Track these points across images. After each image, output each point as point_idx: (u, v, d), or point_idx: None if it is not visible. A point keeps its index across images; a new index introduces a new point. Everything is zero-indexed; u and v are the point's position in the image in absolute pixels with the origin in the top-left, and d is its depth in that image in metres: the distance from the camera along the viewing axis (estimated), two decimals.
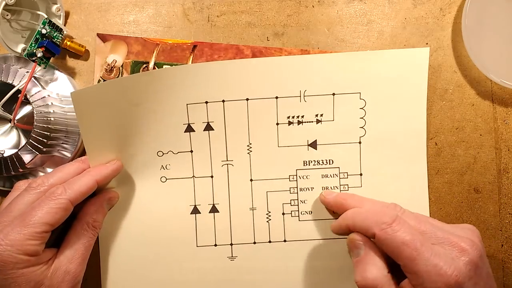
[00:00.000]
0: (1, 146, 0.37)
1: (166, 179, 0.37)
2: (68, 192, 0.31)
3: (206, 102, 0.36)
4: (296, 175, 0.36)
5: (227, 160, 0.36)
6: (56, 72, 0.38)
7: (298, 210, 0.36)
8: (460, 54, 0.37)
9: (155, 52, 0.38)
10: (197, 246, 0.37)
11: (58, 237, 0.33)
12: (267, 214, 0.37)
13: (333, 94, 0.36)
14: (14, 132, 0.38)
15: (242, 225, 0.37)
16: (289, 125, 0.36)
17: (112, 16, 0.39)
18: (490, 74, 0.36)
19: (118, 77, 0.38)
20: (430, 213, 0.36)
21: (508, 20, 0.36)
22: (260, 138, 0.36)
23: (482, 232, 0.37)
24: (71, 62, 0.39)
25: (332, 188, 0.36)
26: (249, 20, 0.38)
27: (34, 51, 0.35)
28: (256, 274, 0.37)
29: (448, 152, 0.38)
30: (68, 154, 0.38)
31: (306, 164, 0.36)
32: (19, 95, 0.35)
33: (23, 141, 0.38)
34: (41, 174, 0.38)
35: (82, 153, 0.38)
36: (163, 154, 0.36)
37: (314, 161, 0.36)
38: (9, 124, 0.38)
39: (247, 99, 0.36)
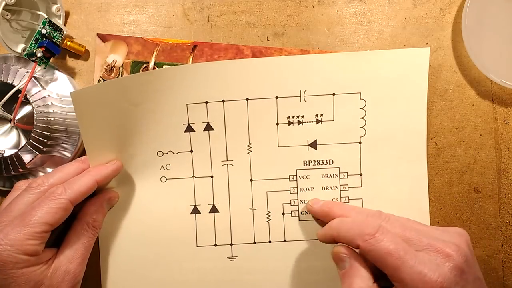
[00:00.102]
0: (1, 146, 0.37)
1: (166, 179, 0.37)
2: (68, 192, 0.31)
3: (206, 102, 0.36)
4: (296, 175, 0.36)
5: (227, 160, 0.36)
6: (56, 72, 0.38)
7: (298, 210, 0.36)
8: (460, 54, 0.37)
9: (155, 52, 0.38)
10: (197, 246, 0.37)
11: (58, 237, 0.33)
12: (267, 214, 0.37)
13: (333, 94, 0.36)
14: (14, 132, 0.38)
15: (242, 225, 0.37)
16: (289, 125, 0.36)
17: (112, 16, 0.39)
18: (490, 74, 0.36)
19: (118, 77, 0.38)
20: (430, 213, 0.36)
21: (508, 20, 0.36)
22: (260, 138, 0.36)
23: (482, 232, 0.38)
24: (71, 62, 0.39)
25: (332, 188, 0.36)
26: (249, 20, 0.38)
27: (34, 51, 0.35)
28: (256, 274, 0.37)
29: (448, 152, 0.38)
30: (68, 154, 0.38)
31: (306, 164, 0.36)
32: (19, 95, 0.35)
33: (23, 141, 0.38)
34: (41, 174, 0.38)
35: (82, 153, 0.38)
36: (163, 154, 0.36)
37: (314, 161, 0.36)
38: (9, 124, 0.38)
39: (247, 99, 0.36)
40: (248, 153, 0.36)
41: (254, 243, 0.37)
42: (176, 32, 0.39)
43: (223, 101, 0.36)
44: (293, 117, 0.36)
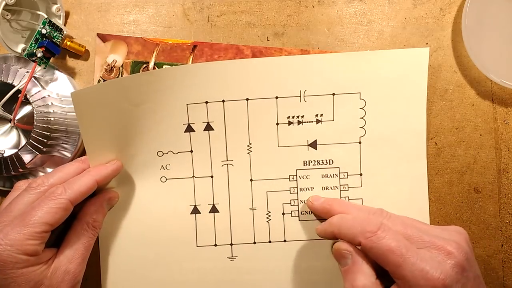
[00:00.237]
0: (1, 146, 0.37)
1: (166, 179, 0.37)
2: (68, 192, 0.31)
3: (206, 102, 0.36)
4: (296, 175, 0.36)
5: (227, 160, 0.36)
6: (56, 72, 0.38)
7: (298, 210, 0.36)
8: (460, 54, 0.37)
9: (155, 52, 0.38)
10: (197, 246, 0.37)
11: (58, 237, 0.33)
12: (267, 214, 0.37)
13: (333, 94, 0.36)
14: (14, 132, 0.38)
15: (242, 225, 0.37)
16: (289, 125, 0.36)
17: (112, 16, 0.39)
18: (490, 74, 0.36)
19: (118, 77, 0.38)
20: (430, 213, 0.36)
21: (508, 20, 0.36)
22: (260, 138, 0.36)
23: (482, 232, 0.38)
24: (71, 62, 0.39)
25: (332, 188, 0.36)
26: (249, 20, 0.38)
27: (34, 51, 0.35)
28: (256, 274, 0.37)
29: (448, 152, 0.38)
30: (68, 154, 0.38)
31: (306, 164, 0.36)
32: (19, 95, 0.35)
33: (23, 141, 0.38)
34: (41, 174, 0.38)
35: (82, 153, 0.38)
36: (163, 154, 0.36)
37: (314, 161, 0.36)
38: (9, 124, 0.38)
39: (247, 99, 0.36)
40: (248, 153, 0.36)
41: (254, 243, 0.37)
42: (176, 32, 0.39)
43: (223, 101, 0.36)
44: (293, 117, 0.36)
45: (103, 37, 0.39)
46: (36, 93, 0.36)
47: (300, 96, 0.36)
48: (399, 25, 0.38)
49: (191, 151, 0.36)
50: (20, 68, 0.36)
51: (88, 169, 0.34)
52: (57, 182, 0.32)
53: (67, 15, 0.39)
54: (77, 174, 0.33)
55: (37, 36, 0.36)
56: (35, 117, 0.35)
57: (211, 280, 0.37)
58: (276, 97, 0.36)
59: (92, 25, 0.39)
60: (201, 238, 0.37)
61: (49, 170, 0.38)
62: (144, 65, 0.38)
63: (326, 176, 0.36)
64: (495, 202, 0.37)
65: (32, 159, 0.36)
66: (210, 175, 0.37)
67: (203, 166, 0.36)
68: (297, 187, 0.36)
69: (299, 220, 0.36)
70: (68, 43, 0.38)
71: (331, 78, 0.35)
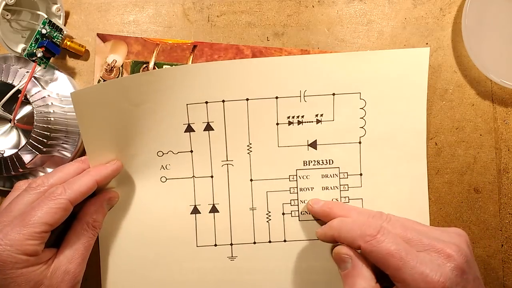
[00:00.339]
0: (1, 146, 0.37)
1: (166, 179, 0.37)
2: (67, 192, 0.31)
3: (206, 102, 0.36)
4: (296, 175, 0.36)
5: (227, 160, 0.36)
6: (56, 72, 0.38)
7: (298, 210, 0.36)
8: (460, 54, 0.37)
9: (155, 52, 0.38)
10: (197, 246, 0.37)
11: (58, 237, 0.33)
12: (267, 214, 0.37)
13: (333, 94, 0.36)
14: (14, 132, 0.38)
15: (242, 225, 0.37)
16: (289, 125, 0.36)
17: (112, 16, 0.39)
18: (490, 74, 0.36)
19: (118, 77, 0.38)
20: (430, 213, 0.36)
21: (508, 20, 0.36)
22: (260, 138, 0.36)
23: (482, 232, 0.37)
24: (71, 62, 0.39)
25: (332, 188, 0.36)
26: (249, 20, 0.38)
27: (34, 51, 0.35)
28: (256, 274, 0.37)
29: (448, 152, 0.38)
30: (68, 154, 0.38)
31: (306, 164, 0.36)
32: (19, 95, 0.35)
33: (23, 141, 0.38)
34: (41, 174, 0.38)
35: (82, 153, 0.38)
36: (163, 154, 0.36)
37: (314, 161, 0.36)
38: (9, 124, 0.38)
39: (247, 99, 0.36)
40: (248, 153, 0.36)
41: (254, 243, 0.37)
42: (176, 32, 0.39)
43: (223, 101, 0.36)
44: (293, 117, 0.36)
45: (103, 37, 0.39)
46: (36, 93, 0.36)
47: (300, 96, 0.36)
48: (399, 25, 0.38)
49: (191, 151, 0.36)
50: (20, 68, 0.36)
51: (88, 169, 0.34)
52: (57, 182, 0.32)
53: (67, 15, 0.39)
54: (77, 174, 0.33)
55: (37, 36, 0.36)
56: (35, 117, 0.35)
57: (211, 280, 0.37)
58: (276, 97, 0.36)
59: (92, 25, 0.39)
60: (201, 238, 0.37)
61: (49, 170, 0.38)
62: (144, 65, 0.38)
63: (326, 176, 0.36)
64: (495, 202, 0.37)
65: (32, 159, 0.36)
66: (210, 175, 0.37)
67: (203, 166, 0.36)
68: (297, 187, 0.36)
69: (299, 220, 0.36)
70: (68, 43, 0.38)
71: (331, 78, 0.35)
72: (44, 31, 0.36)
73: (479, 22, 0.36)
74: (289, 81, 0.35)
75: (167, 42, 0.38)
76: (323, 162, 0.36)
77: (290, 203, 0.36)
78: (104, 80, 0.38)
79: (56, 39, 0.37)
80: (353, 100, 0.36)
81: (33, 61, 0.36)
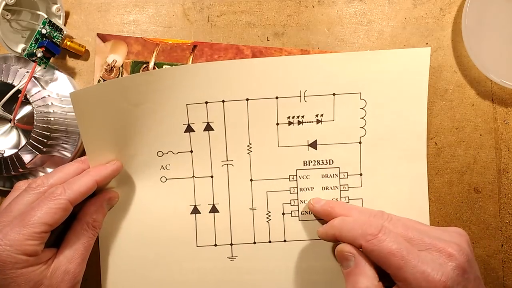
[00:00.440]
0: (1, 146, 0.37)
1: (166, 179, 0.37)
2: (67, 193, 0.31)
3: (206, 102, 0.36)
4: (296, 175, 0.36)
5: (227, 160, 0.36)
6: (56, 72, 0.38)
7: (298, 210, 0.36)
8: (460, 54, 0.37)
9: (155, 52, 0.38)
10: (197, 246, 0.37)
11: (58, 237, 0.33)
12: (267, 214, 0.37)
13: (334, 94, 0.36)
14: (14, 132, 0.38)
15: (242, 225, 0.37)
16: (289, 125, 0.36)
17: (112, 16, 0.39)
18: (490, 74, 0.36)
19: (118, 77, 0.38)
20: (430, 213, 0.36)
21: (508, 20, 0.36)
22: (260, 138, 0.36)
23: (482, 232, 0.37)
24: (71, 62, 0.39)
25: (332, 188, 0.36)
26: (249, 20, 0.38)
27: (34, 51, 0.35)
28: (256, 274, 0.37)
29: (448, 152, 0.38)
30: (68, 154, 0.38)
31: (306, 164, 0.36)
32: (19, 95, 0.35)
33: (23, 141, 0.38)
34: (41, 174, 0.38)
35: (82, 153, 0.38)
36: (163, 154, 0.36)
37: (314, 161, 0.36)
38: (9, 124, 0.38)
39: (247, 99, 0.36)
40: (248, 153, 0.36)
41: (254, 243, 0.37)
42: (176, 32, 0.39)
43: (223, 101, 0.36)
44: (293, 117, 0.36)
45: (103, 37, 0.39)
46: (36, 93, 0.36)
47: (300, 96, 0.36)
48: (399, 25, 0.38)
49: (191, 151, 0.36)
50: (20, 68, 0.36)
51: (88, 169, 0.34)
52: (57, 183, 0.32)
53: (67, 15, 0.39)
54: (77, 175, 0.33)
55: (37, 36, 0.36)
56: (35, 117, 0.35)
57: (211, 280, 0.37)
58: (276, 97, 0.36)
59: (92, 25, 0.39)
60: (201, 238, 0.37)
61: (49, 170, 0.38)
62: (144, 65, 0.38)
63: (326, 176, 0.36)
64: (495, 202, 0.37)
65: (32, 159, 0.36)
66: (210, 175, 0.37)
67: (203, 166, 0.36)
68: (297, 187, 0.36)
69: (299, 220, 0.36)
70: (68, 43, 0.38)
71: (331, 78, 0.35)
72: (44, 31, 0.36)
73: (479, 22, 0.36)
74: (289, 81, 0.35)
75: (167, 42, 0.38)
76: (323, 162, 0.36)
77: (290, 203, 0.36)
78: (104, 80, 0.38)
79: (56, 39, 0.37)
80: (354, 100, 0.36)
81: (33, 61, 0.36)
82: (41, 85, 0.37)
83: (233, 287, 0.37)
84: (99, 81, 0.38)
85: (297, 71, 0.35)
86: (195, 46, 0.38)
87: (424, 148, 0.36)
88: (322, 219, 0.36)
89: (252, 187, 0.36)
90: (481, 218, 0.38)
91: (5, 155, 0.36)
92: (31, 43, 0.36)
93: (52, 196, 0.30)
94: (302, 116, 0.36)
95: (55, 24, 0.36)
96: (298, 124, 0.36)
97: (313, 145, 0.36)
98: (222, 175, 0.36)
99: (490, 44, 0.36)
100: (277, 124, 0.36)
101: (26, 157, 0.36)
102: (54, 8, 0.37)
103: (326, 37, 0.38)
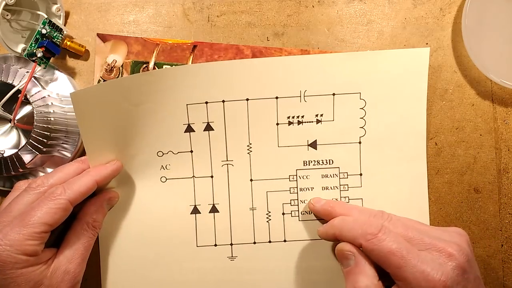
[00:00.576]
0: (1, 146, 0.37)
1: (166, 179, 0.37)
2: (67, 193, 0.31)
3: (206, 102, 0.36)
4: (296, 175, 0.36)
5: (227, 160, 0.36)
6: (56, 72, 0.38)
7: (298, 210, 0.36)
8: (460, 54, 0.37)
9: (155, 52, 0.38)
10: (197, 246, 0.37)
11: (58, 237, 0.33)
12: (267, 214, 0.37)
13: (333, 94, 0.36)
14: (14, 132, 0.38)
15: (242, 225, 0.37)
16: (289, 125, 0.36)
17: (112, 16, 0.39)
18: (490, 74, 0.36)
19: (118, 77, 0.38)
20: (430, 213, 0.36)
21: (508, 20, 0.36)
22: (260, 138, 0.36)
23: (482, 232, 0.37)
24: (71, 62, 0.39)
25: (332, 188, 0.36)
26: (249, 20, 0.38)
27: (34, 51, 0.35)
28: (256, 274, 0.37)
29: (448, 152, 0.38)
30: (68, 154, 0.38)
31: (306, 164, 0.36)
32: (19, 95, 0.35)
33: (23, 141, 0.38)
34: (41, 174, 0.38)
35: (82, 153, 0.38)
36: (163, 154, 0.36)
37: (314, 161, 0.36)
38: (9, 124, 0.38)
39: (247, 99, 0.36)
40: (248, 153, 0.36)
41: (254, 243, 0.37)
42: (176, 32, 0.39)
43: (223, 101, 0.36)
44: (293, 117, 0.36)
45: (103, 37, 0.39)
46: (36, 93, 0.36)
47: (300, 96, 0.36)
48: (399, 25, 0.38)
49: (191, 151, 0.36)
50: (20, 68, 0.36)
51: (88, 169, 0.34)
52: (57, 183, 0.32)
53: (67, 15, 0.39)
54: (77, 175, 0.33)
55: (37, 36, 0.36)
56: (35, 117, 0.35)
57: (211, 280, 0.37)
58: (276, 97, 0.36)
59: (92, 25, 0.39)
60: (201, 238, 0.37)
61: (49, 170, 0.38)
62: (144, 65, 0.38)
63: (326, 176, 0.36)
64: (495, 202, 0.37)
65: (32, 159, 0.36)
66: (210, 175, 0.37)
67: (203, 166, 0.36)
68: (297, 187, 0.36)
69: (299, 220, 0.36)
70: (68, 43, 0.38)
71: (331, 78, 0.35)
72: (44, 31, 0.36)
73: (479, 22, 0.36)
74: (289, 81, 0.35)
75: (167, 42, 0.38)
76: (323, 162, 0.36)
77: (290, 203, 0.36)
78: (104, 80, 0.38)
79: (56, 39, 0.37)
80: (353, 100, 0.36)
81: (33, 61, 0.36)
82: (41, 85, 0.37)
83: (233, 287, 0.37)
84: (99, 81, 0.38)
85: (297, 71, 0.35)
86: (195, 46, 0.38)
87: (424, 148, 0.36)
88: (322, 219, 0.36)
89: (252, 187, 0.36)
90: (481, 218, 0.38)
91: (5, 155, 0.36)
92: (31, 43, 0.36)
93: (52, 196, 0.30)
94: (302, 116, 0.36)
95: (55, 24, 0.36)
96: (298, 124, 0.36)
97: (313, 145, 0.36)
98: (222, 175, 0.36)
99: (490, 44, 0.36)
100: (277, 124, 0.36)
101: (26, 157, 0.36)
102: (54, 8, 0.37)
103: (326, 37, 0.38)
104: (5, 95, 0.35)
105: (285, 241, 0.36)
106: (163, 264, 0.37)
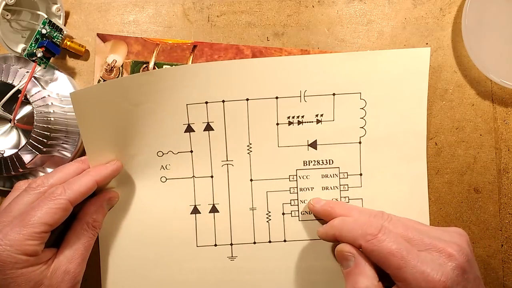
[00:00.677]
0: (1, 146, 0.37)
1: (166, 179, 0.37)
2: (67, 193, 0.31)
3: (206, 102, 0.36)
4: (296, 175, 0.36)
5: (227, 160, 0.36)
6: (56, 72, 0.38)
7: (298, 210, 0.36)
8: (460, 54, 0.37)
9: (155, 52, 0.38)
10: (197, 246, 0.37)
11: (58, 237, 0.33)
12: (267, 214, 0.37)
13: (333, 94, 0.36)
14: (14, 132, 0.38)
15: (242, 225, 0.37)
16: (289, 125, 0.36)
17: (112, 16, 0.39)
18: (490, 74, 0.36)
19: (118, 77, 0.38)
20: (430, 213, 0.36)
21: (508, 20, 0.36)
22: (260, 138, 0.36)
23: (482, 232, 0.37)
24: (71, 62, 0.39)
25: (332, 188, 0.36)
26: (249, 20, 0.38)
27: (34, 51, 0.35)
28: (256, 274, 0.37)
29: (448, 152, 0.38)
30: (68, 154, 0.38)
31: (306, 164, 0.36)
32: (19, 95, 0.35)
33: (23, 141, 0.38)
34: (41, 174, 0.38)
35: (82, 153, 0.38)
36: (163, 154, 0.36)
37: (314, 161, 0.36)
38: (9, 124, 0.38)
39: (247, 99, 0.36)
40: (248, 153, 0.36)
41: (254, 243, 0.37)
42: (176, 32, 0.39)
43: (223, 101, 0.36)
44: (293, 117, 0.36)
45: (103, 37, 0.39)
46: (36, 93, 0.36)
47: (300, 96, 0.36)
48: (399, 25, 0.38)
49: (191, 151, 0.36)
50: (20, 68, 0.36)
51: (88, 169, 0.34)
52: (57, 183, 0.32)
53: (67, 15, 0.39)
54: (77, 175, 0.33)
55: (37, 36, 0.36)
56: (35, 117, 0.35)
57: (211, 280, 0.37)
58: (276, 97, 0.36)
59: (92, 25, 0.39)
60: (201, 238, 0.37)
61: (49, 170, 0.38)
62: (144, 65, 0.38)
63: (326, 176, 0.36)
64: (495, 202, 0.37)
65: (32, 159, 0.36)
66: (210, 175, 0.37)
67: (203, 166, 0.36)
68: (297, 187, 0.36)
69: (299, 220, 0.36)
70: (68, 43, 0.38)
71: (331, 78, 0.35)
72: (44, 31, 0.36)
73: (479, 22, 0.36)
74: (289, 81, 0.35)
75: (167, 42, 0.38)
76: (323, 162, 0.36)
77: (290, 203, 0.36)
78: (104, 80, 0.38)
79: (56, 39, 0.37)
80: (353, 100, 0.36)
81: (33, 61, 0.36)
82: (41, 85, 0.37)
83: (233, 287, 0.37)
84: (99, 81, 0.38)
85: (297, 71, 0.35)
86: (195, 46, 0.38)
87: (424, 148, 0.36)
88: (322, 219, 0.36)
89: (252, 187, 0.36)
90: (481, 218, 0.38)
91: (5, 155, 0.36)
92: (31, 43, 0.36)
93: (52, 196, 0.30)
94: (302, 116, 0.36)
95: (55, 24, 0.36)
96: (298, 124, 0.36)
97: (313, 145, 0.36)
98: (222, 175, 0.37)
99: (490, 44, 0.36)
100: (277, 124, 0.36)
101: (26, 157, 0.36)
102: (54, 8, 0.37)
103: (326, 37, 0.38)
104: (5, 95, 0.35)
105: (285, 241, 0.36)
106: (163, 264, 0.37)
